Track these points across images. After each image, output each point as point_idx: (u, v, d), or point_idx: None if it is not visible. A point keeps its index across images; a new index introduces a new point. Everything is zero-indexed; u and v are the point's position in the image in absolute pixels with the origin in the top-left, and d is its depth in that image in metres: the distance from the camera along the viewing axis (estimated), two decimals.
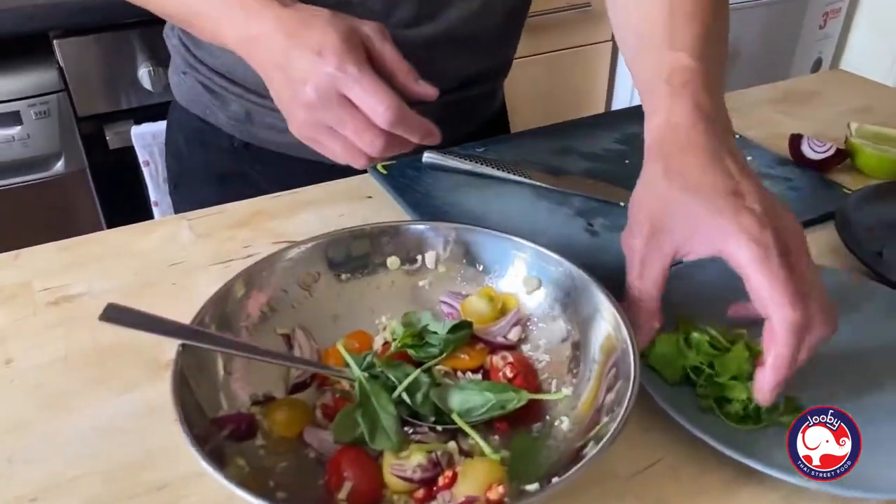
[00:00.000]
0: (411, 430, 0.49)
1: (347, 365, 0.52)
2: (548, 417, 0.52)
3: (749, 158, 0.87)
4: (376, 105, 0.54)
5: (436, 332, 0.55)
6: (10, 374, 0.57)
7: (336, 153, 0.59)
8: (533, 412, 0.52)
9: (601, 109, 2.15)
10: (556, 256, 0.57)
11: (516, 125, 1.06)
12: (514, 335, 0.57)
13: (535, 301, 0.59)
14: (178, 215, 0.78)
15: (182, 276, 0.69)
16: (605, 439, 0.44)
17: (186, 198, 0.92)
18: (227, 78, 0.83)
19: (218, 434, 0.46)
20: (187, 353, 0.48)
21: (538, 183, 0.81)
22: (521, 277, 0.59)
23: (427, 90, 0.59)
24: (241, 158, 0.88)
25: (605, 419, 0.47)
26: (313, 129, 0.58)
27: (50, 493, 0.48)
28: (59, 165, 1.45)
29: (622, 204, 0.78)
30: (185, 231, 0.75)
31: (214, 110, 0.86)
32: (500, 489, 0.44)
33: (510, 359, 0.54)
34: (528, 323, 0.58)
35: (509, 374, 0.53)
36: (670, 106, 0.55)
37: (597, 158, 0.88)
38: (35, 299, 0.65)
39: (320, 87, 0.54)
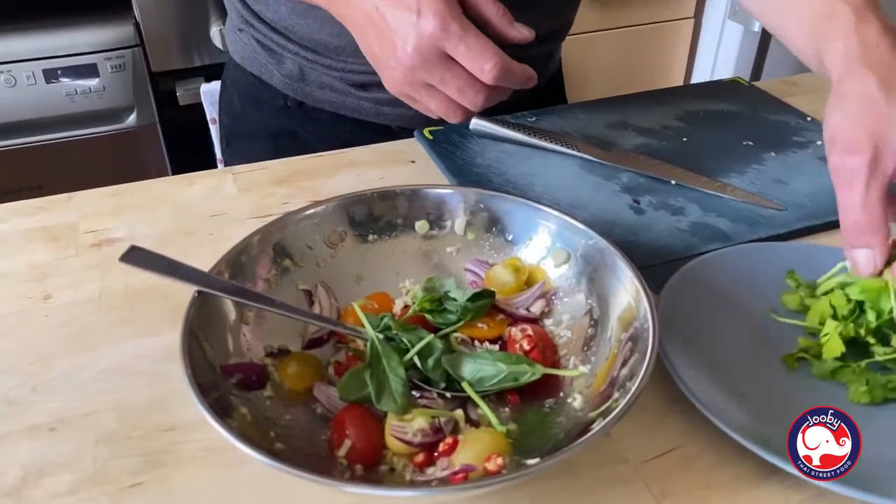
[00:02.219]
0: (419, 395, 0.49)
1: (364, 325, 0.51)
2: (561, 394, 0.50)
3: None
4: (483, 63, 0.53)
5: (455, 299, 0.53)
6: (45, 308, 0.59)
7: (432, 109, 0.58)
8: (547, 387, 0.50)
9: None
10: (585, 228, 0.55)
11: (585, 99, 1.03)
12: (536, 308, 0.55)
13: (562, 275, 0.56)
14: (224, 169, 0.79)
15: (220, 227, 0.69)
16: (612, 415, 0.42)
17: (238, 155, 0.93)
18: (282, 35, 0.83)
19: (226, 382, 0.47)
20: (203, 300, 0.49)
21: (586, 156, 0.78)
22: (550, 250, 0.57)
23: (524, 33, 0.57)
24: (293, 118, 0.88)
25: (616, 395, 0.45)
26: (411, 86, 0.56)
27: (66, 424, 0.49)
28: (132, 119, 1.50)
29: (673, 182, 0.74)
30: (229, 185, 0.76)
31: (269, 68, 0.86)
32: (500, 461, 0.43)
33: (529, 332, 0.52)
34: (553, 297, 0.56)
35: (526, 347, 0.51)
36: (858, 27, 0.55)
37: (653, 134, 0.84)
38: (79, 240, 0.67)
39: (422, 47, 0.53)
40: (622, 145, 0.81)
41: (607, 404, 0.45)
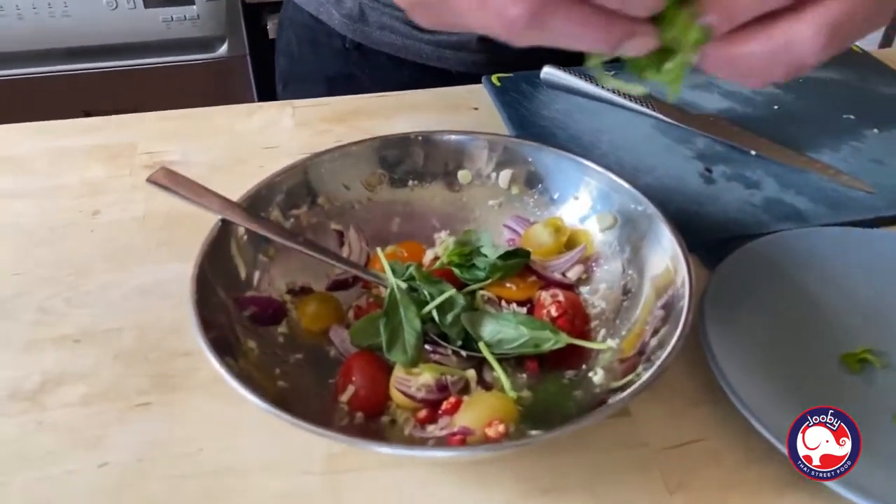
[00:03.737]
0: (432, 349, 0.47)
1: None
2: (584, 367, 0.47)
3: None
4: None
5: (486, 256, 0.51)
6: (92, 224, 0.61)
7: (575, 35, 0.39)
8: (570, 358, 0.47)
9: None
10: (634, 191, 0.51)
11: None
12: (573, 274, 0.52)
13: (605, 241, 0.52)
14: (285, 101, 0.78)
15: (271, 159, 0.68)
16: (630, 389, 0.39)
17: (294, 98, 0.92)
18: None
19: (238, 314, 0.46)
20: (227, 229, 0.48)
21: (662, 116, 0.72)
22: (596, 212, 0.53)
23: None
24: (350, 60, 0.86)
25: (640, 368, 0.42)
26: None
27: (90, 337, 0.50)
28: (223, 49, 1.52)
29: (753, 153, 0.68)
30: (287, 118, 0.75)
31: (328, 7, 0.84)
32: (501, 427, 0.41)
33: (560, 297, 0.49)
34: (594, 263, 0.53)
35: (554, 314, 0.48)
36: None
37: (741, 99, 0.77)
38: (135, 160, 0.68)
39: None
40: (704, 108, 0.75)
41: (629, 377, 0.42)
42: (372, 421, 0.44)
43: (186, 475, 0.42)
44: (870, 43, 1.38)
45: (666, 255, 0.47)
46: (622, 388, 0.41)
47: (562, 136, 0.70)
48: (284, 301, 0.50)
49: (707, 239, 0.58)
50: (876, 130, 0.71)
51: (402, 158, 0.56)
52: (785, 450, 0.40)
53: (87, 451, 0.43)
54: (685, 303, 0.43)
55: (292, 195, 0.53)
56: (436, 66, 0.81)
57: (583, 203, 0.54)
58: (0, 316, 0.52)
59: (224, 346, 0.41)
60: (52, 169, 0.68)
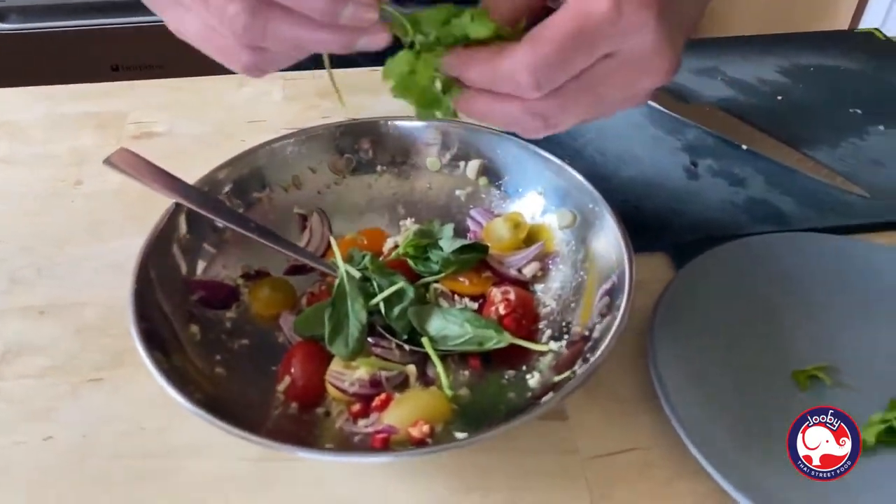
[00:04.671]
0: (374, 342, 0.47)
1: None
2: (524, 368, 0.46)
3: None
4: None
5: (441, 249, 0.50)
6: (73, 194, 0.62)
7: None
8: (512, 358, 0.47)
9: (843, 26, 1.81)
10: (591, 189, 0.50)
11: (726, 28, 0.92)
12: (529, 271, 0.51)
13: (564, 239, 0.52)
14: (276, 73, 0.78)
15: (255, 133, 0.68)
16: (560, 391, 0.39)
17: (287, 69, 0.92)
18: None
19: (186, 297, 0.47)
20: (182, 212, 0.49)
21: (654, 104, 0.70)
22: (556, 210, 0.52)
23: None
24: None
25: (576, 367, 0.41)
26: None
27: (55, 310, 0.52)
28: None
29: (744, 147, 0.65)
30: (277, 91, 0.75)
31: None
32: (425, 428, 0.41)
33: (511, 295, 0.48)
34: (550, 262, 0.52)
35: (502, 311, 0.48)
36: None
37: (744, 88, 0.74)
38: (123, 131, 0.69)
39: None
40: (703, 96, 0.72)
41: (564, 375, 0.42)
42: (306, 412, 0.44)
43: (125, 454, 0.44)
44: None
45: (613, 256, 0.46)
46: (556, 389, 0.41)
47: None
48: (238, 285, 0.50)
49: (680, 240, 0.56)
50: (881, 127, 0.68)
51: (367, 144, 0.56)
52: (708, 468, 0.40)
53: (35, 423, 0.45)
54: (623, 303, 0.42)
55: (254, 179, 0.53)
56: None
57: (543, 199, 0.53)
58: None
59: (157, 338, 0.42)
60: (45, 136, 0.69)
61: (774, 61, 0.77)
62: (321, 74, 0.76)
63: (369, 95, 0.73)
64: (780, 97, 0.72)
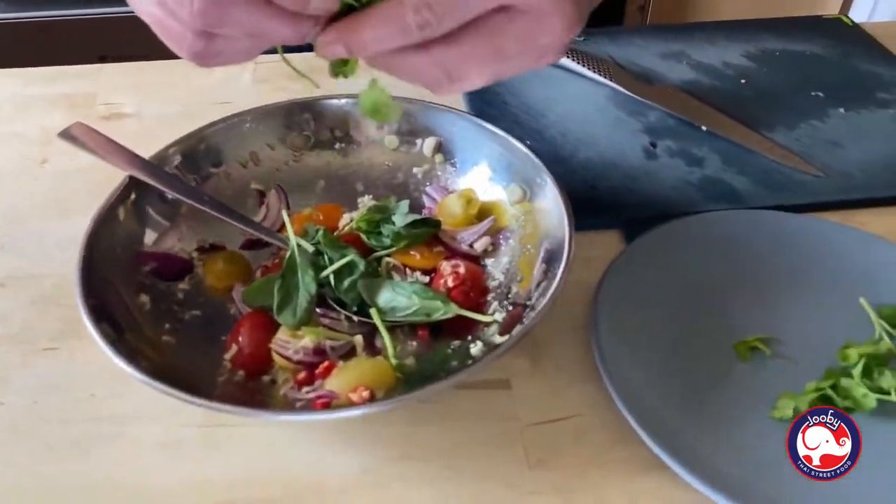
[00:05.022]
0: (323, 313, 0.48)
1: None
2: (469, 338, 0.47)
3: None
4: None
5: (393, 224, 0.51)
6: (39, 173, 0.63)
7: None
8: (460, 329, 0.48)
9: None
10: (538, 163, 0.50)
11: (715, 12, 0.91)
12: (480, 246, 0.52)
13: (515, 214, 0.52)
14: None
15: (221, 115, 0.70)
16: (492, 353, 0.40)
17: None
18: None
19: (138, 267, 0.48)
20: (137, 184, 0.50)
21: (618, 86, 0.71)
22: (506, 185, 0.53)
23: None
24: None
25: (514, 332, 0.42)
26: None
27: (15, 282, 0.53)
28: None
29: (704, 128, 0.66)
30: (248, 74, 0.76)
31: None
32: (365, 394, 0.42)
33: (460, 269, 0.49)
34: (501, 237, 0.53)
35: (450, 284, 0.49)
36: None
37: (709, 71, 0.74)
38: (93, 111, 0.70)
39: None
40: (667, 79, 0.73)
41: (502, 339, 0.43)
42: (252, 380, 0.45)
43: (75, 419, 0.45)
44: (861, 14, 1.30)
45: (556, 226, 0.47)
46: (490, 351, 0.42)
47: (513, 104, 0.70)
48: (192, 258, 0.51)
49: (632, 216, 0.57)
50: (842, 110, 0.69)
51: (320, 122, 0.57)
52: (643, 432, 0.41)
53: None
54: (560, 268, 0.43)
55: (209, 154, 0.54)
56: None
57: (492, 173, 0.54)
58: None
59: (105, 309, 0.42)
60: (14, 115, 0.70)
61: (742, 46, 0.78)
62: (290, 57, 0.78)
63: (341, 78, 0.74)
64: (743, 80, 0.73)
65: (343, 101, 0.57)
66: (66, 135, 0.50)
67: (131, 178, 0.49)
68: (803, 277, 0.51)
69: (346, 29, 0.35)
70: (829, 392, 0.43)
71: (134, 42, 1.60)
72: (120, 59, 1.58)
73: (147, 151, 0.52)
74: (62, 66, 0.77)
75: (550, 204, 0.48)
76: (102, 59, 1.52)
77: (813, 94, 0.71)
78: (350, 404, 0.42)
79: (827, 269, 0.52)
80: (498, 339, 0.45)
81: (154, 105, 0.71)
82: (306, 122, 0.57)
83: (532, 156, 0.51)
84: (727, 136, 0.65)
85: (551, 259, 0.45)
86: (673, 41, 0.79)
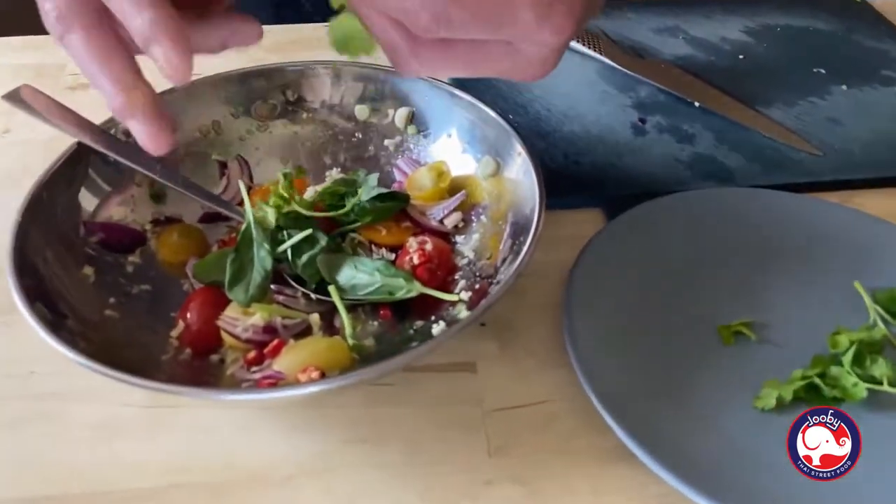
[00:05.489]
0: (277, 290, 0.45)
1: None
2: (433, 318, 0.44)
3: None
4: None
5: (359, 198, 0.48)
6: (0, 142, 0.61)
7: None
8: (424, 309, 0.45)
9: None
10: (512, 132, 0.47)
11: None
12: (450, 221, 0.49)
13: (489, 189, 0.49)
14: None
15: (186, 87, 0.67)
16: (450, 329, 0.37)
17: None
18: None
19: (85, 238, 0.45)
20: (86, 153, 0.47)
21: (608, 60, 0.67)
22: (478, 158, 0.50)
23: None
24: None
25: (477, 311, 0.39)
26: None
27: None
28: None
29: (697, 105, 0.63)
30: None
31: None
32: (315, 374, 0.39)
33: (428, 245, 0.46)
34: (473, 213, 0.50)
35: (416, 261, 0.46)
36: None
37: (705, 46, 0.71)
38: (59, 81, 0.68)
39: None
40: (661, 54, 0.69)
41: (464, 316, 0.40)
42: (199, 359, 0.42)
43: (10, 396, 0.42)
44: None
45: (528, 202, 0.44)
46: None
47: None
48: (145, 230, 0.49)
49: (615, 194, 0.54)
50: (844, 87, 0.65)
51: (293, 88, 0.54)
52: (613, 421, 0.38)
53: None
54: (527, 242, 0.40)
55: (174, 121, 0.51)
56: None
57: (465, 147, 0.51)
58: None
59: (40, 286, 0.40)
60: None
61: (740, 21, 0.74)
62: (269, 30, 0.75)
63: (319, 51, 0.71)
64: (741, 56, 0.69)
65: (313, 68, 0.54)
66: (14, 97, 0.48)
67: (80, 145, 0.47)
68: (795, 259, 0.48)
69: None
70: (817, 381, 0.40)
71: None
72: None
73: (112, 123, 0.49)
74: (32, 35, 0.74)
75: (521, 173, 0.45)
76: None
77: (814, 70, 0.67)
78: (297, 385, 0.39)
79: (820, 250, 0.49)
80: (463, 316, 0.42)
81: None
82: (275, 90, 0.54)
83: (503, 122, 0.47)
84: (721, 112, 0.62)
85: (518, 233, 0.42)
86: (667, 15, 0.75)
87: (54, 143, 0.59)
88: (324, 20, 0.81)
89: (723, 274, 0.47)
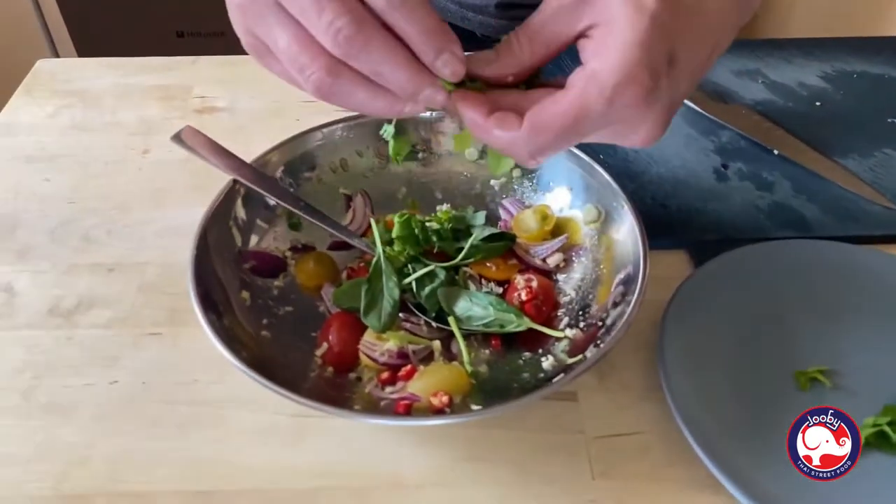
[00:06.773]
0: (405, 318, 0.51)
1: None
2: (540, 351, 0.50)
3: None
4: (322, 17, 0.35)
5: (470, 235, 0.54)
6: (141, 162, 0.68)
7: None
8: (530, 341, 0.51)
9: None
10: (618, 190, 0.53)
11: (785, 28, 0.92)
12: (553, 261, 0.55)
13: (588, 233, 0.55)
14: None
15: (310, 114, 0.73)
16: (570, 374, 0.43)
17: None
18: None
19: (238, 265, 0.52)
20: (239, 188, 0.54)
21: (690, 104, 0.72)
22: (583, 205, 0.55)
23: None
24: None
25: (588, 352, 0.45)
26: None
27: (121, 267, 0.58)
28: None
29: (776, 152, 0.67)
30: None
31: None
32: (445, 398, 0.45)
33: (533, 283, 0.52)
34: (574, 254, 0.55)
35: (524, 298, 0.51)
36: None
37: (784, 91, 0.75)
38: (188, 104, 0.75)
39: None
40: (742, 98, 0.74)
41: (576, 358, 0.46)
42: (340, 376, 0.49)
43: (179, 401, 0.49)
44: None
45: (631, 250, 0.50)
46: (567, 371, 0.45)
47: None
48: (285, 257, 0.55)
49: (700, 238, 0.59)
50: None
51: (408, 132, 0.60)
52: (703, 454, 0.43)
53: (103, 368, 0.51)
54: (635, 294, 0.46)
55: (305, 160, 0.58)
56: (460, 26, 0.83)
57: (570, 194, 0.56)
58: (52, 239, 0.60)
59: (211, 301, 0.47)
60: (115, 104, 0.75)
61: (818, 66, 0.78)
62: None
63: None
64: (818, 103, 0.73)
65: (428, 114, 0.60)
66: (178, 138, 0.54)
67: (235, 181, 0.53)
68: (868, 311, 0.53)
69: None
70: (886, 428, 0.45)
71: (208, 19, 1.65)
72: (195, 35, 1.64)
73: (239, 145, 0.55)
74: (156, 48, 0.81)
75: (627, 229, 0.51)
76: (179, 36, 1.57)
77: (889, 120, 0.71)
78: (430, 406, 0.45)
79: (892, 303, 0.53)
80: (569, 359, 0.47)
81: (245, 100, 0.75)
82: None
83: (612, 182, 0.53)
84: (799, 161, 0.66)
85: (627, 282, 0.48)
86: (749, 58, 0.79)
87: (188, 165, 0.67)
88: None
89: (801, 322, 0.52)
